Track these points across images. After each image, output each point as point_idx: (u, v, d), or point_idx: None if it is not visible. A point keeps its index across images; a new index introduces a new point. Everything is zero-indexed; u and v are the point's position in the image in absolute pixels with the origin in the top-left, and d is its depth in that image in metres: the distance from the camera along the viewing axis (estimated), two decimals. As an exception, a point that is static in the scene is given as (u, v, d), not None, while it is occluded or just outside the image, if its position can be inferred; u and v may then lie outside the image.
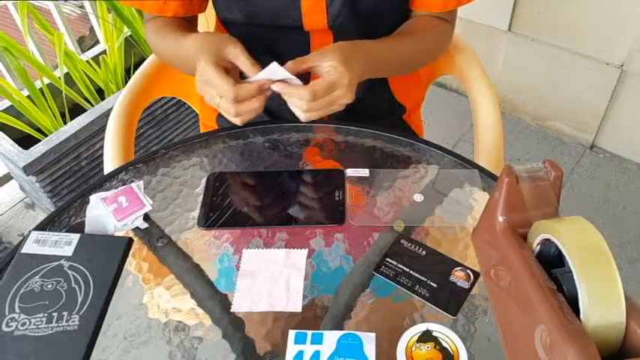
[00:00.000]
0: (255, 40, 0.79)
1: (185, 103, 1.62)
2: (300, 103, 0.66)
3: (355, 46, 0.70)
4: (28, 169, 1.33)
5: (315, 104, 0.65)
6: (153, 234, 0.64)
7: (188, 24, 0.83)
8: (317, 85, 0.65)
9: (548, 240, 0.48)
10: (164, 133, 1.64)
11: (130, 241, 0.63)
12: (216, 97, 0.66)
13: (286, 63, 0.67)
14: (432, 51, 0.84)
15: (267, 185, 0.70)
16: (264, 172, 0.72)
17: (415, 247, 0.61)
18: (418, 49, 0.80)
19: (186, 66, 0.75)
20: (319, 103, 0.66)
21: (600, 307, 0.42)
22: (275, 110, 0.89)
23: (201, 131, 1.02)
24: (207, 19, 1.10)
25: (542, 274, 0.47)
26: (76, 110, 1.52)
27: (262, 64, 0.82)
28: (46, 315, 0.55)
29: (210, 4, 0.81)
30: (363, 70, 0.69)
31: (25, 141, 1.39)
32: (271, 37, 0.79)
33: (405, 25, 0.81)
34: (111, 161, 0.89)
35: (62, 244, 0.61)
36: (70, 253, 0.60)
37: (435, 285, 0.57)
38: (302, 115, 0.67)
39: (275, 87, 0.66)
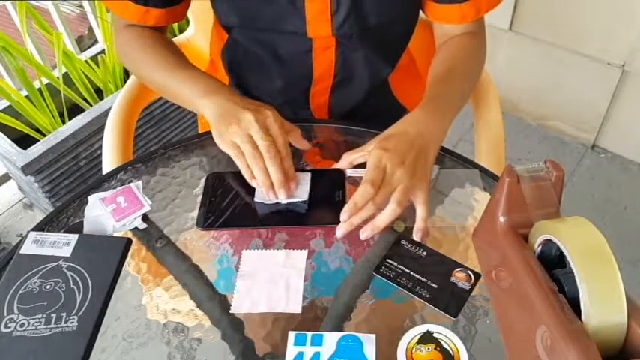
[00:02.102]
0: (256, 43, 0.79)
1: (184, 103, 1.62)
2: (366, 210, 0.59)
3: (403, 124, 0.67)
4: (26, 169, 1.33)
5: (380, 194, 0.59)
6: (152, 234, 0.64)
7: (169, 40, 0.80)
8: (367, 174, 0.60)
9: (549, 240, 0.48)
10: (163, 133, 1.63)
11: (129, 241, 0.63)
12: (254, 137, 0.62)
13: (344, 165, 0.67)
14: (476, 73, 0.81)
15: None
16: None
17: (415, 247, 0.61)
18: (464, 83, 0.76)
19: (178, 92, 0.72)
20: (381, 192, 0.59)
21: (601, 307, 0.42)
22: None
23: (200, 131, 1.02)
24: (194, 22, 1.10)
25: (544, 274, 0.47)
26: (74, 110, 1.51)
27: (263, 64, 0.82)
28: (44, 316, 0.54)
29: (204, 8, 0.80)
30: (439, 128, 0.67)
31: (23, 141, 1.39)
32: (272, 41, 0.78)
33: (440, 62, 0.77)
34: (109, 161, 0.89)
35: (61, 245, 0.61)
36: (68, 254, 0.60)
37: (435, 286, 0.57)
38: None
39: (343, 220, 0.60)
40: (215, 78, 0.72)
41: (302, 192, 0.66)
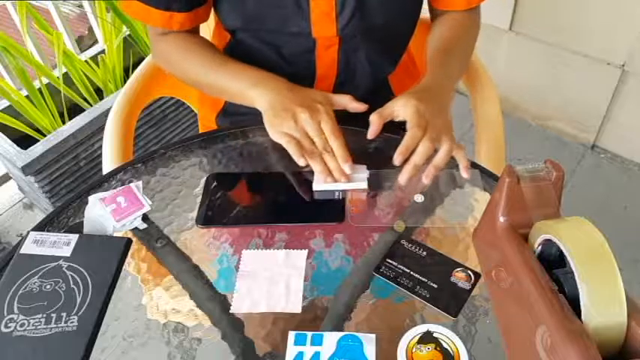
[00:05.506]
0: (260, 43, 0.79)
1: (184, 103, 1.62)
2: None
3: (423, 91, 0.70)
4: (26, 169, 1.33)
5: (427, 134, 0.64)
6: (152, 234, 0.64)
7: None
8: (412, 120, 0.65)
9: (549, 240, 0.48)
10: (163, 133, 1.63)
11: (129, 241, 0.63)
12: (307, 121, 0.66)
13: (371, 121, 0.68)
14: (471, 46, 0.84)
15: (266, 186, 0.70)
16: (263, 172, 0.72)
17: (416, 247, 0.61)
18: (463, 56, 0.81)
19: (227, 87, 0.75)
20: (429, 132, 0.65)
21: (601, 307, 0.42)
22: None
23: (200, 131, 1.02)
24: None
25: (544, 274, 0.47)
26: (74, 110, 1.51)
27: (267, 63, 0.81)
28: (44, 316, 0.54)
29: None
30: (444, 105, 0.71)
31: (23, 141, 1.39)
32: (276, 41, 0.78)
33: (440, 36, 0.80)
34: (109, 161, 0.89)
35: (61, 245, 0.61)
36: (68, 254, 0.60)
37: (435, 286, 0.57)
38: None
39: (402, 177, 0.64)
40: (262, 70, 0.74)
41: (361, 179, 0.67)
